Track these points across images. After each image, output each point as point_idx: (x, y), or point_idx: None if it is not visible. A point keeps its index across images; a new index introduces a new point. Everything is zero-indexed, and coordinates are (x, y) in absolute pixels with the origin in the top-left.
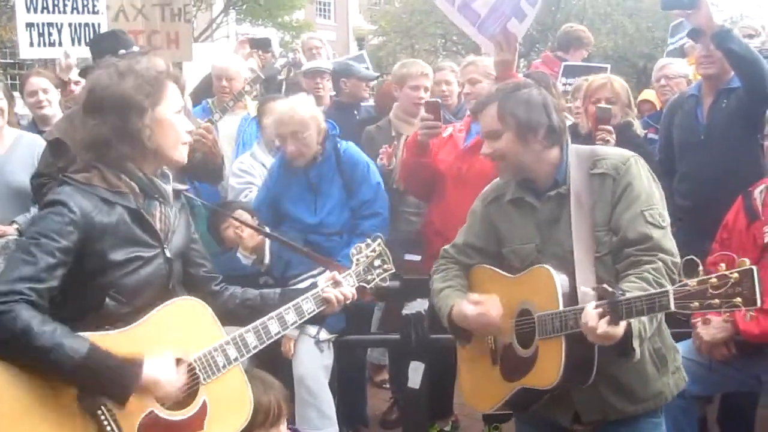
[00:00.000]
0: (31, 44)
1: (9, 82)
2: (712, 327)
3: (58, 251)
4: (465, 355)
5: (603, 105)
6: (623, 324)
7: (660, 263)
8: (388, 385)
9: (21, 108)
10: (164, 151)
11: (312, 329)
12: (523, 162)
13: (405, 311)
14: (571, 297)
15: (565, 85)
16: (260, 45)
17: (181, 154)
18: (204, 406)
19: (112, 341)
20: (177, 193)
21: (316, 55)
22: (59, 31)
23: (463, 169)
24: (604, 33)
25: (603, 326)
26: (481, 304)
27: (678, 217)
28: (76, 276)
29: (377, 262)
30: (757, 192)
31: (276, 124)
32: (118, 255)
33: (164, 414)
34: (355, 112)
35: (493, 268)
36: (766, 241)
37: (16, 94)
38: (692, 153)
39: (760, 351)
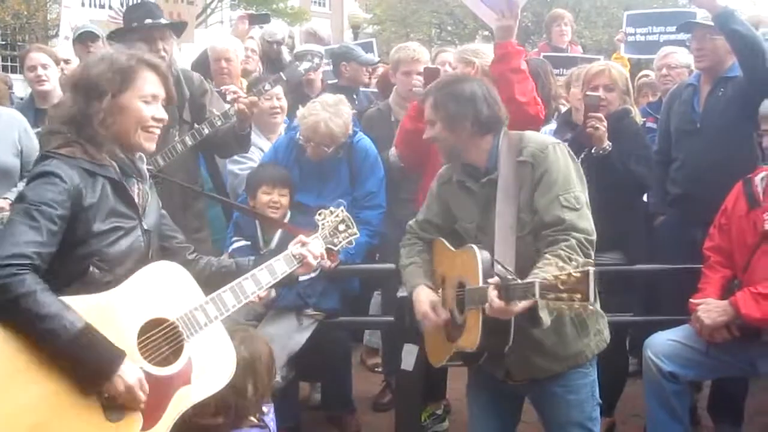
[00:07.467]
0: (83, 4)
1: (2, 63)
2: (713, 311)
3: (58, 218)
4: None
5: (591, 93)
6: (521, 302)
7: (573, 240)
8: (380, 369)
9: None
10: (121, 136)
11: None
12: (453, 147)
13: (399, 293)
14: (491, 274)
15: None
16: (259, 20)
17: (140, 140)
18: (189, 361)
19: (95, 302)
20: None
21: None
22: None
23: None
24: (600, 26)
25: (497, 304)
26: (434, 309)
27: (668, 204)
28: (63, 244)
29: (342, 227)
30: (758, 179)
31: (307, 129)
32: (101, 225)
33: (152, 370)
34: (354, 96)
35: (444, 242)
36: (766, 228)
37: (14, 75)
38: (688, 141)
39: (757, 337)
